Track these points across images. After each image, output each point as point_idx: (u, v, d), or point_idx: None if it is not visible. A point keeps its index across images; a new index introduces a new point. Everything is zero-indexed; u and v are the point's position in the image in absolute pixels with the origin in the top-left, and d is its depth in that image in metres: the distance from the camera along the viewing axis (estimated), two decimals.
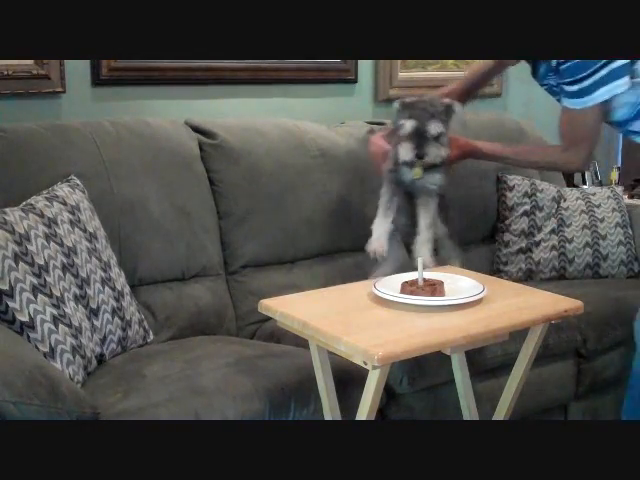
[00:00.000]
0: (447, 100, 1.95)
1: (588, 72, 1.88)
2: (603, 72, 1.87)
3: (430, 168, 1.93)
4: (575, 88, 1.92)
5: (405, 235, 2.03)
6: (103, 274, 1.83)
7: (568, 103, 1.98)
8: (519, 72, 3.18)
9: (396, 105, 1.95)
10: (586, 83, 1.89)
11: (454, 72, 3.09)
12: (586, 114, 1.96)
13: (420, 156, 1.88)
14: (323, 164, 2.37)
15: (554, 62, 1.95)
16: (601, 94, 1.90)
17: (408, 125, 1.88)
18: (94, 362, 1.75)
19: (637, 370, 2.00)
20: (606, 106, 1.95)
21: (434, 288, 1.63)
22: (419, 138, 1.88)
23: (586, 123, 1.99)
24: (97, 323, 1.77)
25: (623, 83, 1.89)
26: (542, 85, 2.13)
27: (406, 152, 1.89)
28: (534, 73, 2.12)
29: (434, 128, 1.88)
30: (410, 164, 1.92)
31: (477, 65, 2.35)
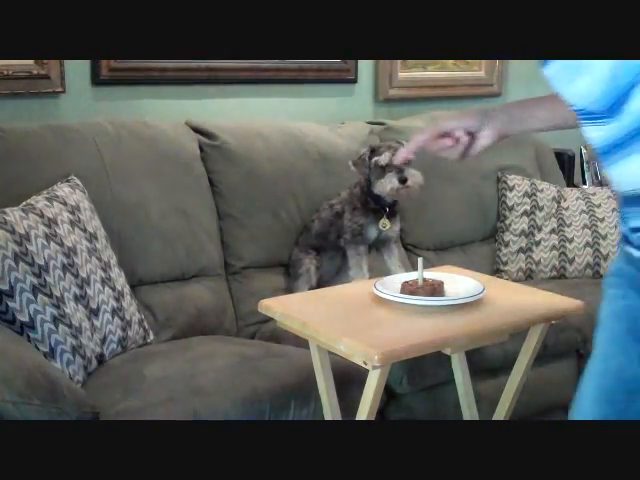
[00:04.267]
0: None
1: None
2: None
3: (392, 216, 2.09)
4: None
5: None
6: (103, 274, 1.83)
7: None
8: (519, 72, 3.20)
9: (364, 151, 2.08)
10: None
11: (454, 72, 3.09)
12: None
13: (403, 180, 1.98)
14: (323, 167, 2.37)
15: None
16: None
17: (384, 156, 2.00)
18: (94, 362, 1.75)
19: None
20: None
21: (434, 288, 1.63)
22: (396, 166, 1.99)
23: None
24: (97, 323, 1.77)
25: None
26: None
27: (389, 181, 2.00)
28: None
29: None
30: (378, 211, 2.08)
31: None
